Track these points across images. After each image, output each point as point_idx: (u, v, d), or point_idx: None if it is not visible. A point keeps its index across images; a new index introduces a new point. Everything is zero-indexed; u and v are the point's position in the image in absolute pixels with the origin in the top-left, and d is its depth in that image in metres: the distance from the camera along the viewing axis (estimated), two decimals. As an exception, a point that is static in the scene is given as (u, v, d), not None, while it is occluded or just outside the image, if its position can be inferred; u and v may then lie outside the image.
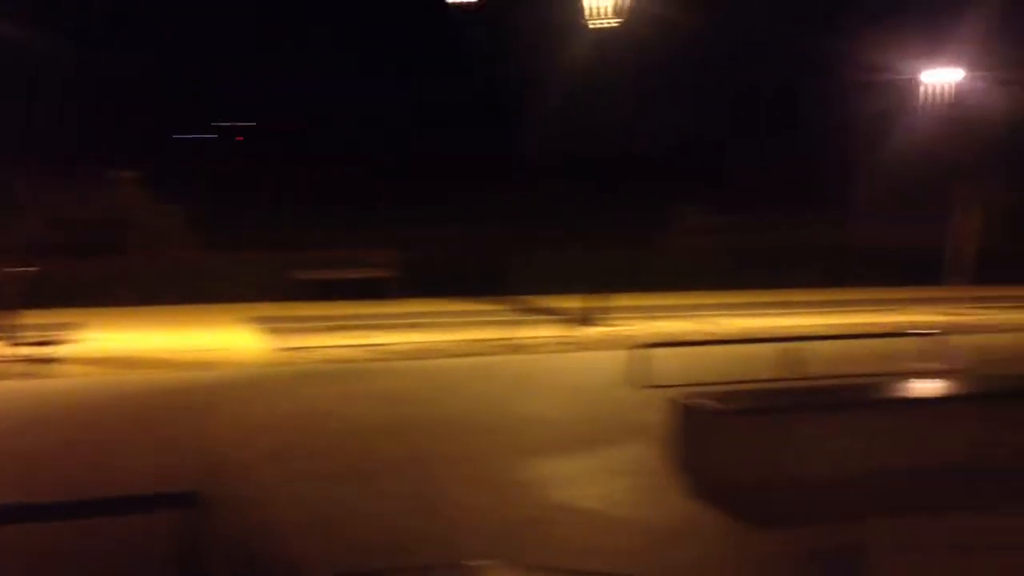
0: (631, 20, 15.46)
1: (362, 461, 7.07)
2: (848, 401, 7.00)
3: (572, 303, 14.68)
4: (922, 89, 19.96)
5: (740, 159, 25.10)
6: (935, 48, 19.56)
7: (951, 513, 5.69)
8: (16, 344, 12.03)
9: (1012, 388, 7.47)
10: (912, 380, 8.24)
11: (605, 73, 17.27)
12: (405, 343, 12.94)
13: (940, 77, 19.23)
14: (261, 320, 14.89)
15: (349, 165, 22.95)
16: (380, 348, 12.55)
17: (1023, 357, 11.24)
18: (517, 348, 12.83)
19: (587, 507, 5.69)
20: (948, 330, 13.25)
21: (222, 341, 13.20)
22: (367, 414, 8.68)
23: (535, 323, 14.15)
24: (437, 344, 12.94)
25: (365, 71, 25.62)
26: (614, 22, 15.32)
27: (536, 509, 5.85)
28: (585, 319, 14.89)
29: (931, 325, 13.51)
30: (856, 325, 14.20)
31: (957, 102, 19.41)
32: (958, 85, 18.99)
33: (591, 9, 15.33)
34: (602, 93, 18.67)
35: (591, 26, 15.46)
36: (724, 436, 6.37)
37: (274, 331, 13.74)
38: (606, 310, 15.00)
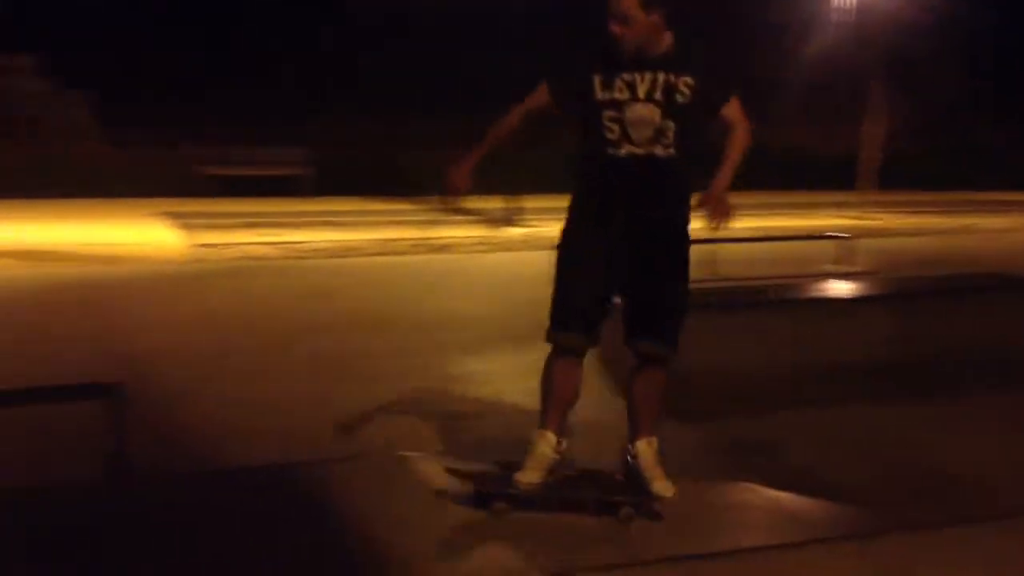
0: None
1: (285, 358, 7.03)
2: (761, 301, 7.15)
3: (493, 204, 14.58)
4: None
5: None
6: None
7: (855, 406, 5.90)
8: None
9: (922, 287, 7.73)
10: (825, 281, 8.48)
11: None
12: (322, 241, 12.80)
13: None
14: (173, 216, 14.56)
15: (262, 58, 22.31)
16: (297, 246, 12.40)
17: (930, 260, 11.60)
18: (439, 248, 12.79)
19: (514, 402, 5.76)
20: (858, 234, 13.60)
21: (134, 236, 12.89)
22: (289, 311, 8.61)
23: (455, 223, 14.05)
24: (354, 243, 12.83)
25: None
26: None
27: (465, 404, 5.92)
28: (507, 219, 14.90)
29: (841, 228, 13.81)
30: (769, 228, 14.47)
31: (863, 9, 19.57)
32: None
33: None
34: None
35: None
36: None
37: (187, 227, 13.44)
38: (523, 210, 15.00)
